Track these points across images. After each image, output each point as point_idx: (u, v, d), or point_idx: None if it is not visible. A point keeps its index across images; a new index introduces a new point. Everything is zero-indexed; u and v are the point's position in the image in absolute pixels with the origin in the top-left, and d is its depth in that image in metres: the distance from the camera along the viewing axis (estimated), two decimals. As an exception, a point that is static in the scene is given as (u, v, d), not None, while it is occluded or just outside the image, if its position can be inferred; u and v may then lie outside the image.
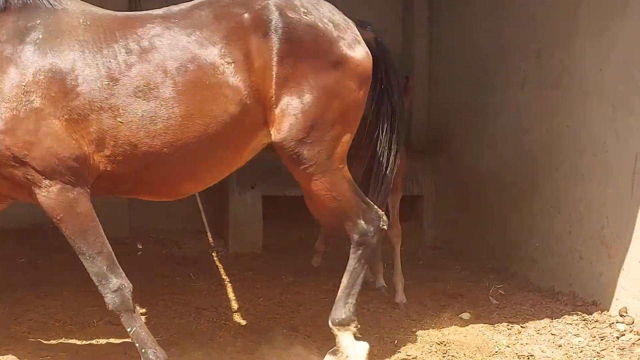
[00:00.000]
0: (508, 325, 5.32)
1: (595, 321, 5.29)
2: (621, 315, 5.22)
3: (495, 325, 5.31)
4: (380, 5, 8.80)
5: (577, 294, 5.81)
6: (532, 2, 6.61)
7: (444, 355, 4.73)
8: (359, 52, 4.33)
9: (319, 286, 6.43)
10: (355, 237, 4.49)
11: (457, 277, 6.82)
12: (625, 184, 5.27)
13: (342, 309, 4.49)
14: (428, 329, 5.24)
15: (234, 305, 5.80)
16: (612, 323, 5.19)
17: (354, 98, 4.33)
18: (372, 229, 4.46)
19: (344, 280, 4.61)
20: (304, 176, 4.38)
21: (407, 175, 7.69)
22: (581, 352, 4.83)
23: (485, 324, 5.35)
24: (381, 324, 5.36)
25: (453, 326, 5.30)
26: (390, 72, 4.94)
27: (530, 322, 5.39)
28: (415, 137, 8.59)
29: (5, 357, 4.45)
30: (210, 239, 8.10)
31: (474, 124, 7.58)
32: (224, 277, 6.71)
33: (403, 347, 4.85)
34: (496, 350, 4.83)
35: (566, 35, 6.06)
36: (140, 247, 7.68)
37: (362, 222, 4.45)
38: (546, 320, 5.40)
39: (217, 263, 7.28)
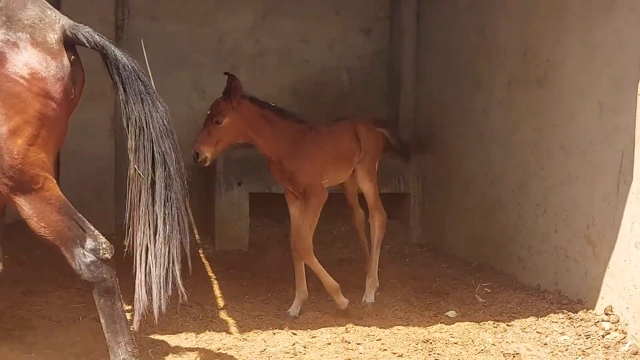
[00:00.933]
0: (494, 323, 5.33)
1: (581, 319, 5.31)
2: (606, 314, 5.24)
3: (481, 324, 5.32)
4: (367, 2, 8.81)
5: (563, 292, 5.82)
6: (520, 0, 6.62)
7: (430, 353, 4.73)
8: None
9: (306, 284, 6.41)
10: (78, 272, 3.77)
11: (443, 275, 6.84)
12: (611, 183, 5.29)
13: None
14: (414, 327, 5.23)
15: (220, 302, 5.78)
16: (598, 322, 5.21)
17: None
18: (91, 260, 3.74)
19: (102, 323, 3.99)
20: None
21: (394, 170, 7.77)
22: (566, 350, 4.84)
23: (471, 322, 5.36)
24: (367, 321, 5.35)
25: (439, 324, 5.30)
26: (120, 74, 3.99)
27: (516, 320, 5.40)
28: (402, 135, 8.58)
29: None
30: (197, 236, 8.06)
31: (460, 122, 7.59)
32: (210, 274, 6.69)
33: (389, 345, 4.84)
34: (482, 348, 4.84)
35: (552, 33, 6.07)
36: (125, 244, 7.61)
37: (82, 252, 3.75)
38: (532, 319, 5.40)
39: (203, 260, 7.25)
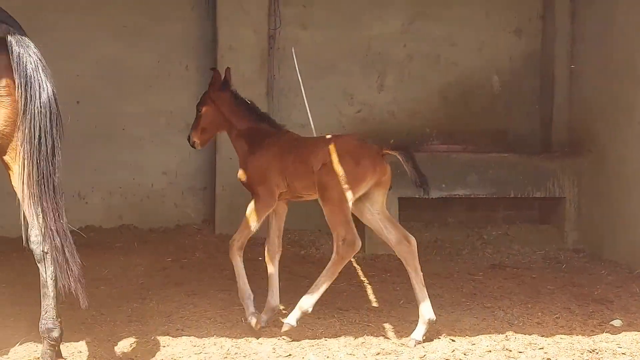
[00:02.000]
0: (665, 334, 5.07)
1: None
2: None
3: (651, 334, 5.08)
4: (518, 3, 8.64)
5: None
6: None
7: (597, 363, 4.58)
8: None
9: (459, 289, 6.38)
10: None
11: (604, 282, 6.59)
12: None
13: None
14: (577, 336, 5.07)
15: (375, 307, 5.81)
16: None
17: None
18: None
19: None
20: None
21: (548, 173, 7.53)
22: None
23: (639, 332, 5.12)
24: (527, 329, 5.24)
25: (604, 333, 5.11)
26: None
27: (690, 330, 5.12)
28: (556, 138, 8.37)
29: (164, 352, 4.63)
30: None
31: (620, 122, 7.28)
32: (363, 278, 6.74)
33: (552, 354, 4.72)
34: (654, 360, 4.63)
35: None
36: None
37: None
38: None
39: (355, 264, 7.31)
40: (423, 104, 8.56)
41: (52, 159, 4.30)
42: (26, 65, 4.19)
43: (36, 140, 4.21)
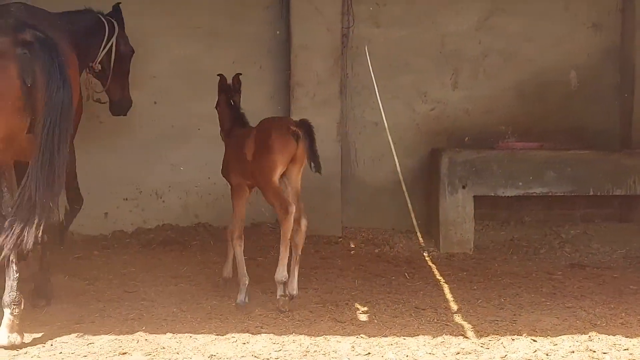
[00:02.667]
0: None
1: None
2: None
3: None
4: (597, -3, 8.45)
5: None
6: None
7: None
8: None
9: (538, 289, 6.27)
10: None
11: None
12: None
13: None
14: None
15: (453, 306, 5.76)
16: None
17: None
18: None
19: None
20: None
21: (630, 170, 7.31)
22: None
23: None
24: (611, 330, 5.12)
25: None
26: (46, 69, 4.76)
27: None
28: (636, 134, 8.15)
29: (244, 349, 4.68)
30: (421, 239, 8.11)
31: None
32: (439, 277, 6.69)
33: (638, 356, 4.60)
34: None
35: None
36: (352, 246, 7.83)
37: None
38: None
39: (430, 263, 7.26)
40: (498, 101, 8.44)
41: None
42: (47, 68, 4.76)
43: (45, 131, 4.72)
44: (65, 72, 4.86)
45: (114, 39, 6.58)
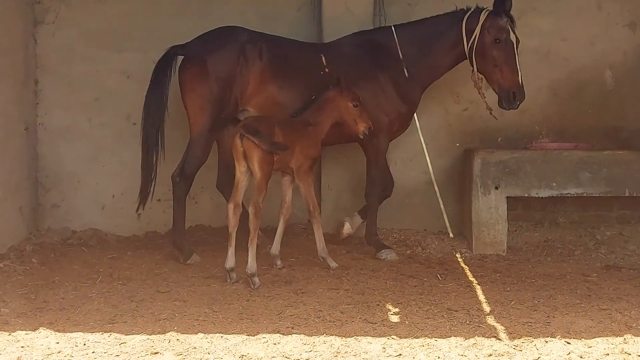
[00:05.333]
0: None
1: None
2: None
3: None
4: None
5: None
6: None
7: None
8: None
9: (572, 291, 6.19)
10: None
11: None
12: None
13: None
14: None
15: (486, 307, 5.70)
16: None
17: None
18: None
19: None
20: None
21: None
22: None
23: None
24: (647, 333, 5.05)
25: None
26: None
27: None
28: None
29: (275, 350, 4.68)
30: (451, 234, 8.07)
31: None
32: (471, 279, 6.63)
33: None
34: None
35: None
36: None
37: None
38: None
39: (462, 264, 7.21)
40: (532, 100, 8.32)
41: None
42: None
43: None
44: None
45: None
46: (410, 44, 7.37)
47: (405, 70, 7.33)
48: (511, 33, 7.17)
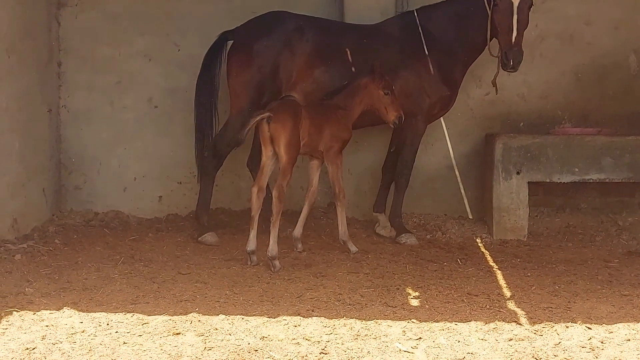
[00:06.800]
0: None
1: None
2: None
3: None
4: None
5: None
6: None
7: None
8: None
9: (593, 276, 6.18)
10: None
11: None
12: None
13: None
14: None
15: (506, 292, 5.70)
16: None
17: None
18: None
19: None
20: None
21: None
22: None
23: None
24: (669, 319, 5.02)
25: None
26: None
27: None
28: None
29: (295, 332, 4.71)
30: (473, 225, 8.04)
31: None
32: (492, 264, 6.63)
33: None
34: None
35: None
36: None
37: None
38: None
39: (483, 249, 7.20)
40: (555, 85, 8.30)
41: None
42: None
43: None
44: None
45: None
46: (448, 23, 7.35)
47: (446, 51, 7.31)
48: None
